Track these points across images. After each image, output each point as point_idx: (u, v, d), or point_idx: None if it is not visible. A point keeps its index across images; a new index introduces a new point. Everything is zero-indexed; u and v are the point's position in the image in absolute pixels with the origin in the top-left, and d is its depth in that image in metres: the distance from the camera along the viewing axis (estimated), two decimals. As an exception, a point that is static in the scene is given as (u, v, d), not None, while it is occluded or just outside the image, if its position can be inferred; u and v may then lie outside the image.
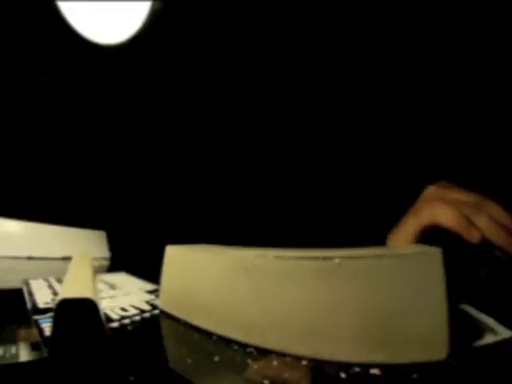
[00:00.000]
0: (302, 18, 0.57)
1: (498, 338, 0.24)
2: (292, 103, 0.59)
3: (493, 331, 0.25)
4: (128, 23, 0.66)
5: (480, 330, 0.25)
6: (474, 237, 0.30)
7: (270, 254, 0.24)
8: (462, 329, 0.25)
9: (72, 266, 0.37)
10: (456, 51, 0.46)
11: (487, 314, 0.28)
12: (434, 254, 0.21)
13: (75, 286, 0.26)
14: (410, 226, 0.33)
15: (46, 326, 0.26)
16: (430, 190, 0.35)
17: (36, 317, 0.29)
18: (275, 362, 0.22)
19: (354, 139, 0.53)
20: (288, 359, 0.22)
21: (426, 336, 0.21)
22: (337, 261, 0.22)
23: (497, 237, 0.30)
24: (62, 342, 0.20)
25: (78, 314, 0.21)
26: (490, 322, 0.27)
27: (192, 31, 0.68)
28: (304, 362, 0.22)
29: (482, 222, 0.31)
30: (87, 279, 0.29)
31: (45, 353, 0.22)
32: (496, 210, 0.31)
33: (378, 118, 0.52)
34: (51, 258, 0.68)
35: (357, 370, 0.20)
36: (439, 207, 0.32)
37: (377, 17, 0.51)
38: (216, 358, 0.22)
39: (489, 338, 0.24)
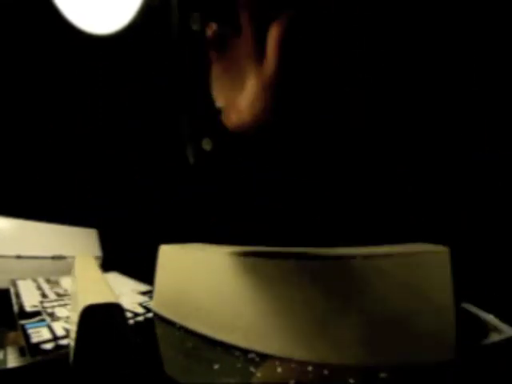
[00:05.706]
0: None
1: (502, 336, 0.24)
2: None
3: (496, 330, 0.25)
4: (121, 13, 0.64)
5: (484, 328, 0.25)
6: None
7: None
8: (466, 327, 0.24)
9: (79, 269, 0.34)
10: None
11: (488, 312, 0.28)
12: (442, 253, 0.20)
13: (95, 291, 0.24)
14: None
15: (33, 332, 0.25)
16: None
17: (22, 321, 0.27)
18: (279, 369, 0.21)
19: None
20: (293, 365, 0.21)
21: (433, 335, 0.20)
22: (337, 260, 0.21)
23: None
24: (87, 348, 0.19)
25: (104, 319, 0.20)
26: (493, 320, 0.27)
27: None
28: (310, 368, 0.21)
29: None
30: (103, 283, 0.27)
31: (31, 359, 0.21)
32: None
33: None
34: (41, 256, 0.67)
35: (364, 371, 0.20)
36: None
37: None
38: (215, 366, 0.21)
39: (493, 337, 0.24)
